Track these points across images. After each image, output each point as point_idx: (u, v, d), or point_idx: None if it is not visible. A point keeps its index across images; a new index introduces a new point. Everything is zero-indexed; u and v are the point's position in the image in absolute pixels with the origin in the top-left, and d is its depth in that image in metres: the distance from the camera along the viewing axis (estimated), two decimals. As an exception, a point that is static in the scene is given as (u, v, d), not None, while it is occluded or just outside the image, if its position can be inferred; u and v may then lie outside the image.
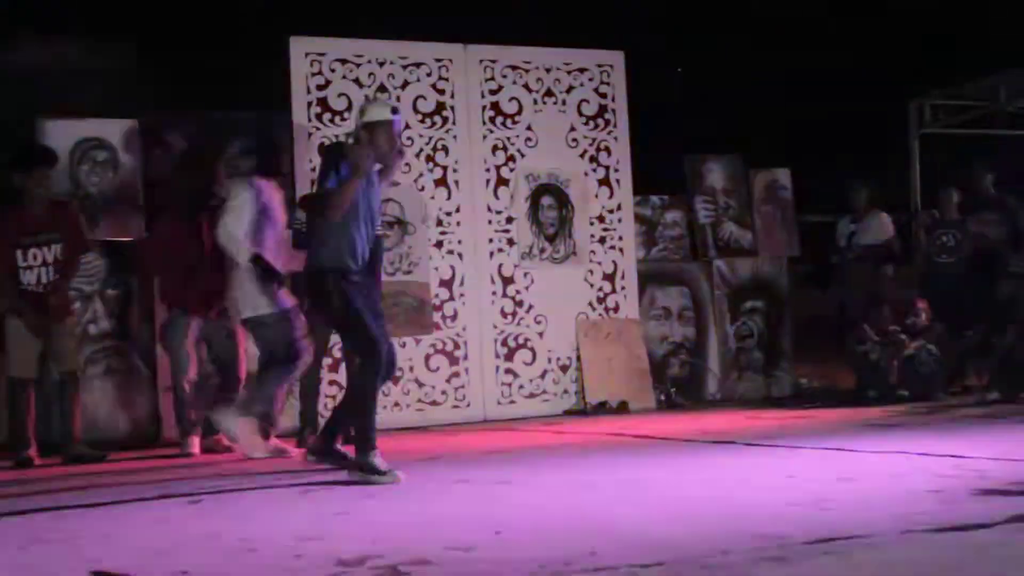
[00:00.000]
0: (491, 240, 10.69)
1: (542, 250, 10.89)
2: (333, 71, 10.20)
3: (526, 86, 10.90)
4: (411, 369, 10.27)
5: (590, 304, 11.04)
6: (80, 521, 5.79)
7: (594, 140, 11.13)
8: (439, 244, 10.47)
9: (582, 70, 11.12)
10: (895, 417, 9.28)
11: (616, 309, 11.11)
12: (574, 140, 11.05)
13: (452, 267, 10.52)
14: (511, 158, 10.80)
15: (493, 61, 10.81)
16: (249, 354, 8.72)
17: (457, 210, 10.57)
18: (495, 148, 10.75)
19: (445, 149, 10.55)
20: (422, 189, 10.42)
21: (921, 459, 6.70)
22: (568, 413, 10.70)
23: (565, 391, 10.87)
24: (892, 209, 12.37)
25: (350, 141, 7.49)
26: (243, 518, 5.69)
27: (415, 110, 10.43)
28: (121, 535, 5.35)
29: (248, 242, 8.10)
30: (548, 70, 10.99)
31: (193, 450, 8.69)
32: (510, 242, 10.75)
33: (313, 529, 5.21)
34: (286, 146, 9.35)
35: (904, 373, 10.85)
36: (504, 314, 10.68)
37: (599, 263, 11.11)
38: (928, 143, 13.67)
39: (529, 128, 10.88)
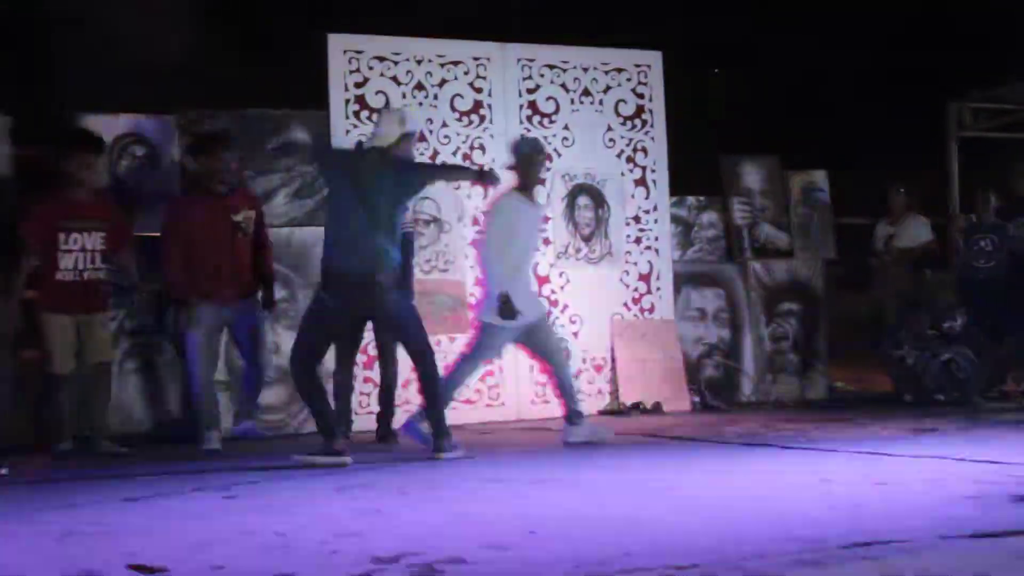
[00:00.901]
0: (527, 239, 10.68)
1: (578, 250, 10.88)
2: (371, 69, 10.21)
3: (563, 85, 10.89)
4: (446, 368, 10.26)
5: (625, 305, 11.02)
6: (117, 514, 5.82)
7: (631, 140, 11.12)
8: (475, 243, 10.46)
9: (619, 70, 11.11)
10: (931, 422, 9.22)
11: (651, 310, 11.09)
12: (611, 140, 11.03)
13: (488, 266, 10.50)
14: (548, 157, 10.78)
15: (531, 60, 10.80)
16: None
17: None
18: (532, 147, 10.74)
19: (482, 147, 10.55)
20: (458, 187, 10.42)
21: (958, 464, 6.66)
22: (602, 414, 10.69)
23: (599, 391, 10.85)
24: (930, 212, 12.32)
25: (386, 145, 7.65)
26: (278, 513, 5.70)
27: (452, 108, 10.44)
28: (157, 528, 5.37)
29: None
30: (586, 69, 10.98)
31: (214, 445, 8.64)
32: (546, 241, 10.73)
33: (348, 525, 5.22)
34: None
35: (941, 378, 10.81)
36: (539, 313, 10.66)
37: (635, 263, 11.10)
38: (967, 146, 13.59)
39: (566, 128, 10.87)
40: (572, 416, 8.51)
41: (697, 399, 11.12)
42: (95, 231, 8.50)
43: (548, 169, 10.74)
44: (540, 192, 10.68)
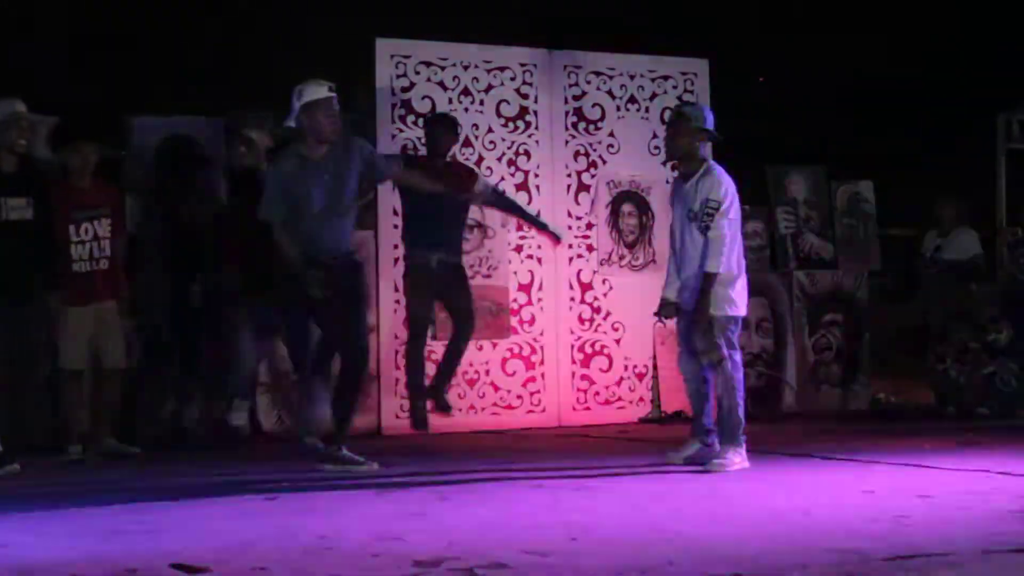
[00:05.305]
0: (571, 246, 10.66)
1: (621, 257, 10.86)
2: (418, 73, 10.23)
3: (610, 92, 10.87)
4: (487, 373, 10.27)
5: (668, 312, 10.99)
6: (160, 514, 5.86)
7: (677, 148, 11.08)
8: (519, 248, 10.48)
9: (666, 77, 11.08)
10: (975, 435, 9.16)
11: (694, 318, 11.05)
12: (656, 147, 10.99)
13: (531, 272, 10.51)
14: (593, 164, 10.78)
15: (577, 67, 10.79)
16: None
17: (538, 214, 10.56)
18: (577, 154, 10.73)
19: (527, 154, 10.55)
20: (503, 193, 10.43)
21: (1002, 478, 6.63)
22: (643, 421, 10.67)
23: (640, 399, 10.82)
24: (976, 225, 12.23)
25: (291, 124, 7.58)
26: (319, 515, 5.74)
27: (498, 114, 10.43)
28: (200, 528, 5.42)
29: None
30: (632, 77, 10.95)
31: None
32: (590, 248, 10.73)
33: (389, 528, 5.24)
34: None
35: (984, 391, 10.74)
36: (581, 320, 10.66)
37: (678, 271, 11.06)
38: (1015, 158, 13.48)
39: (611, 134, 10.85)
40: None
41: (739, 409, 11.06)
42: (103, 218, 8.50)
43: (593, 175, 10.75)
44: (584, 198, 10.73)
